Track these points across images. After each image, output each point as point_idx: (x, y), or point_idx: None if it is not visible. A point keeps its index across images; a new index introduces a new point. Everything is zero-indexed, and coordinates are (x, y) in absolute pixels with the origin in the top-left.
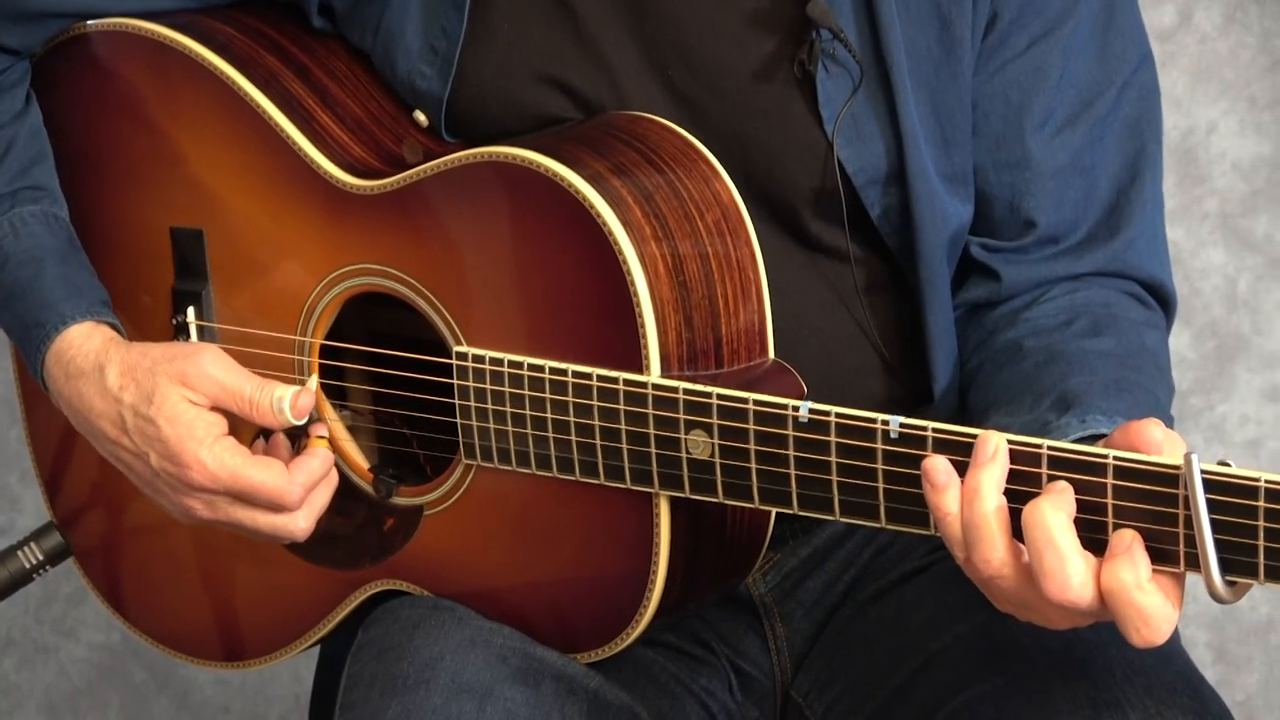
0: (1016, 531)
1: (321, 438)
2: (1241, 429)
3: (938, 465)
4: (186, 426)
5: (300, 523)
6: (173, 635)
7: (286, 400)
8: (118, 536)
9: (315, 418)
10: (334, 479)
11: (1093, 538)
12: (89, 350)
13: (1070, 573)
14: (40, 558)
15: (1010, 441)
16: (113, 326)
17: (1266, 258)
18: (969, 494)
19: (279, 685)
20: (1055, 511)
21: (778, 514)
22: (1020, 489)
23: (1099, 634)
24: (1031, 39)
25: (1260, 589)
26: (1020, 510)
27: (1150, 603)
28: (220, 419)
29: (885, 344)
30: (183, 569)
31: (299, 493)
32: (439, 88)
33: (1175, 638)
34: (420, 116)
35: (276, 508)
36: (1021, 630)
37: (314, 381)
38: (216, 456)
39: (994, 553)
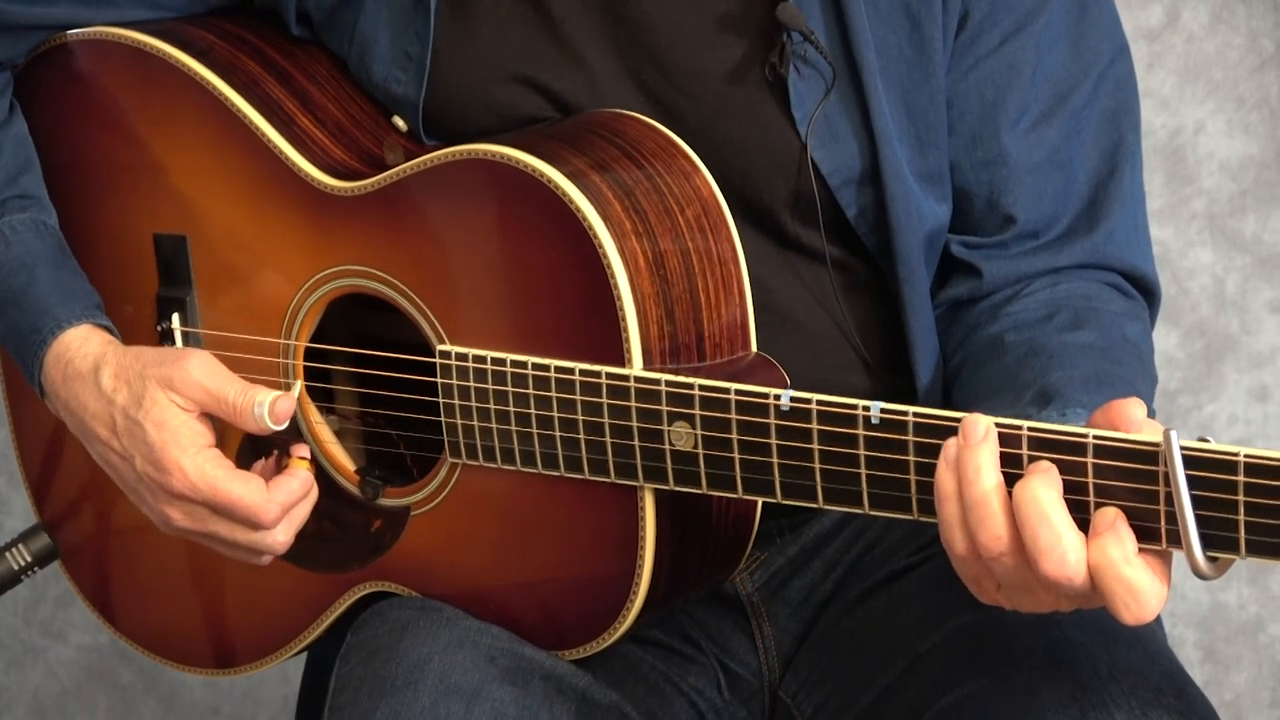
0: None
1: (303, 459)
2: (1230, 429)
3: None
4: (173, 433)
5: (279, 536)
6: (160, 641)
7: (265, 406)
8: (105, 540)
9: (300, 430)
10: (313, 495)
11: (1076, 518)
12: (87, 352)
13: (1066, 549)
14: (28, 559)
15: (991, 423)
16: (108, 330)
17: (1254, 257)
18: (970, 474)
19: (267, 687)
20: (1046, 489)
21: (764, 512)
22: (1003, 470)
23: (1086, 634)
24: (1004, 35)
25: (1248, 587)
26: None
27: (1138, 577)
28: (207, 430)
29: (866, 342)
30: (170, 573)
31: (276, 511)
32: (414, 92)
33: (1162, 638)
34: (399, 122)
35: (253, 525)
36: (1009, 630)
37: (297, 387)
38: (198, 466)
39: (1000, 529)
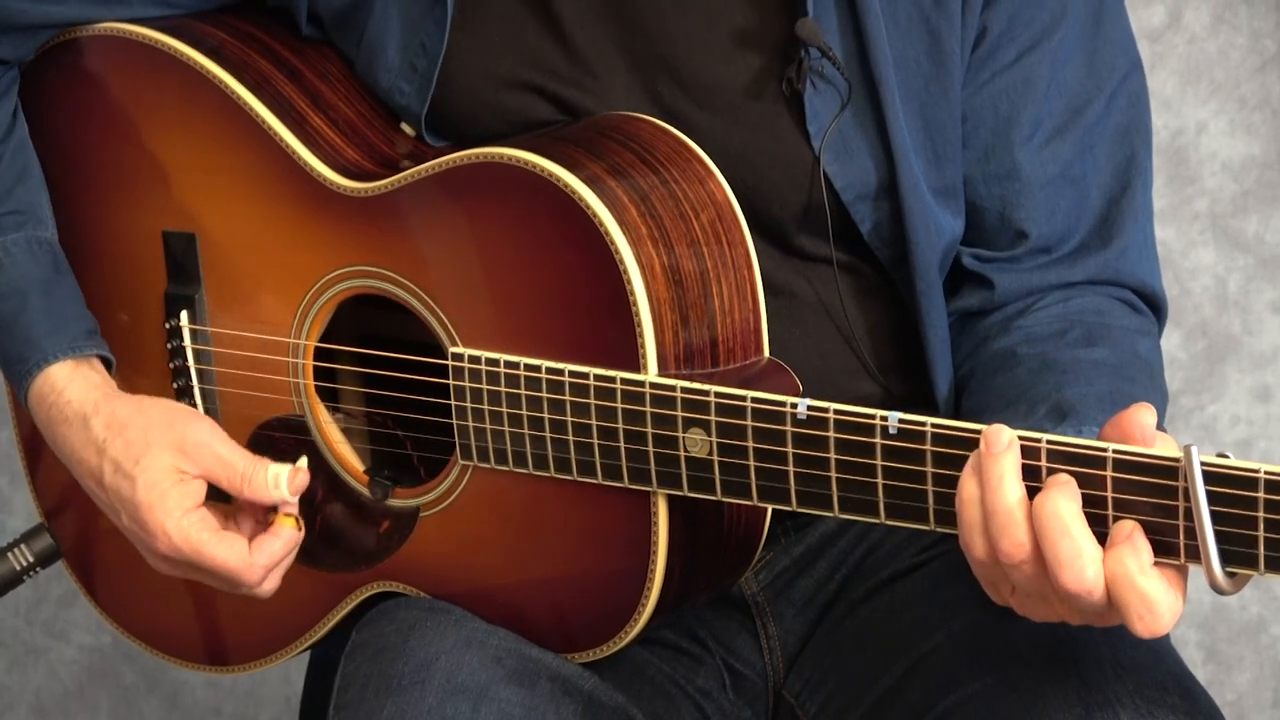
0: None
1: (289, 515)
2: (1232, 429)
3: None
4: (160, 496)
5: (265, 586)
6: (164, 639)
7: (284, 476)
8: (108, 539)
9: (308, 428)
10: (298, 542)
11: (1094, 531)
12: (70, 398)
13: (1086, 562)
14: (30, 559)
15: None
16: (102, 359)
17: (1256, 258)
18: (992, 482)
19: (270, 687)
20: (1067, 502)
21: (771, 512)
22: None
23: (1091, 633)
24: (1020, 51)
25: (1250, 587)
26: None
27: (1153, 588)
28: (198, 493)
29: (875, 348)
30: None
31: (259, 573)
32: (417, 105)
33: (1166, 637)
34: (406, 128)
35: (235, 585)
36: (1013, 629)
37: (304, 461)
38: (182, 531)
39: (1022, 536)
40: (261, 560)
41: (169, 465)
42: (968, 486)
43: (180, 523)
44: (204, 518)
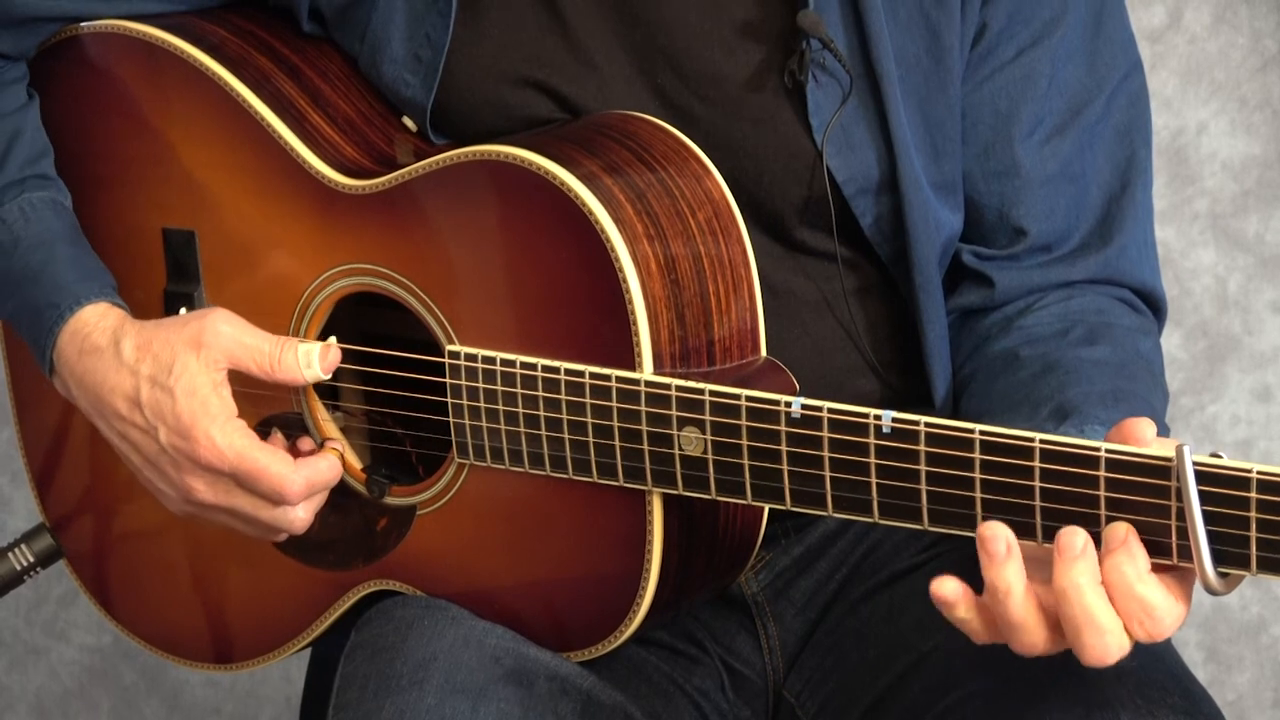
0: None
1: (335, 449)
2: (1232, 429)
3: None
4: (201, 402)
5: (300, 513)
6: (164, 637)
7: (315, 353)
8: (109, 538)
9: (307, 427)
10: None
11: (1087, 530)
12: (105, 327)
13: (1109, 643)
14: (31, 559)
15: (1003, 435)
16: (123, 309)
17: (1257, 258)
18: (1001, 592)
19: (270, 687)
20: (1092, 583)
21: (770, 513)
22: (1014, 482)
23: None
24: (1020, 48)
25: (1251, 588)
26: (1009, 492)
27: (1152, 594)
28: (233, 402)
29: (876, 348)
30: (174, 571)
31: (301, 485)
32: (423, 96)
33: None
34: (408, 122)
35: (277, 498)
36: None
37: (334, 339)
38: (227, 435)
39: (1038, 638)
40: (304, 473)
41: (199, 367)
42: (977, 633)
43: (225, 427)
44: (245, 426)
